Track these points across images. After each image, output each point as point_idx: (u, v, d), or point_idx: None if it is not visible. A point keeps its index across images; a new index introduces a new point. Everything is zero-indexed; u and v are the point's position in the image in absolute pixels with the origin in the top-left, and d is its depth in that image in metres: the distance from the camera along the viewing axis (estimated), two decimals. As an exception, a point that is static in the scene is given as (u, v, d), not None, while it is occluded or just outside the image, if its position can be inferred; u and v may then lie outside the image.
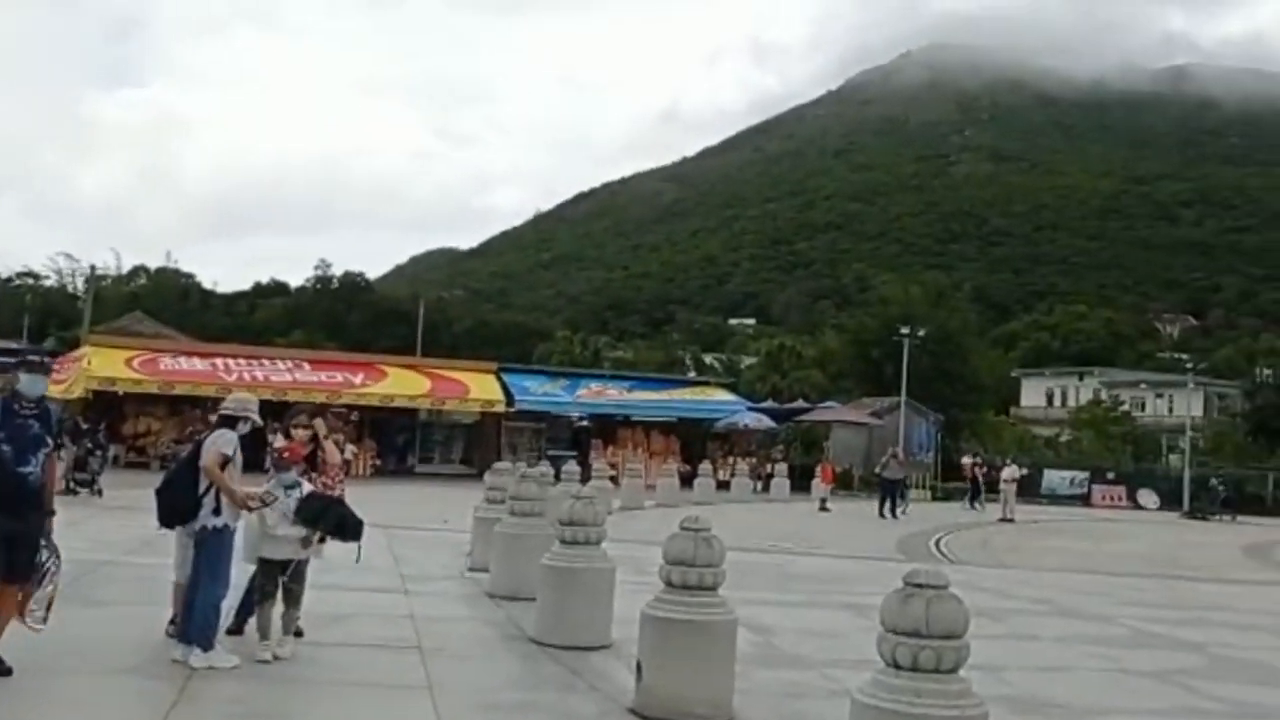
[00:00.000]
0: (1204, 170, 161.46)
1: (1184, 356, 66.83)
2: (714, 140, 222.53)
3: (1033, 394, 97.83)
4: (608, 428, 41.51)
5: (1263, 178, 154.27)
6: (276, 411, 10.18)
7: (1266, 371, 74.50)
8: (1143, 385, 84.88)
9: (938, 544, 23.88)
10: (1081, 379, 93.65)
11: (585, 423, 41.47)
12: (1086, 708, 8.22)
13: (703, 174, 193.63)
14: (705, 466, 34.35)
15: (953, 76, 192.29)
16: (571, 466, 20.38)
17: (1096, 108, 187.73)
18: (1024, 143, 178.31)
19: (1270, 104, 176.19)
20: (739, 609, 7.14)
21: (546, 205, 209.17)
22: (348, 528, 7.93)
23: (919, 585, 4.96)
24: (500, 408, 38.32)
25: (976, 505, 35.95)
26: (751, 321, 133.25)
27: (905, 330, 45.36)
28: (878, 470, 33.21)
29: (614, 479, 29.91)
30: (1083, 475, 48.08)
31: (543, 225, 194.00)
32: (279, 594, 7.75)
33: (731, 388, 50.85)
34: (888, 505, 30.67)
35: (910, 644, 4.83)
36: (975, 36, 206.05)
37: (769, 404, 47.62)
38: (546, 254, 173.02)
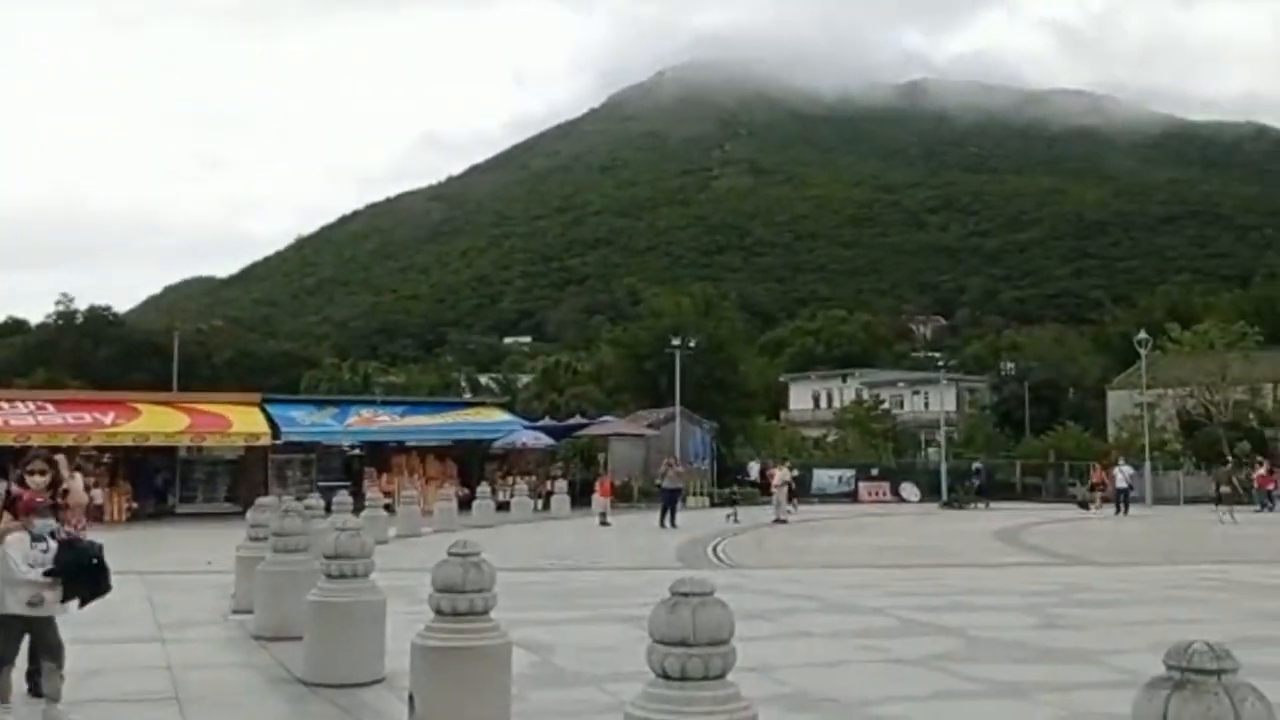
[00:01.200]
0: (947, 178, 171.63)
1: (936, 355, 70.79)
2: (479, 159, 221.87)
3: (800, 397, 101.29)
4: (381, 455, 40.43)
5: (998, 185, 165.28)
6: (18, 457, 9.36)
7: (1009, 365, 79.61)
8: (900, 384, 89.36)
9: (715, 549, 24.29)
10: (845, 380, 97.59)
11: (357, 451, 40.38)
12: (857, 699, 8.35)
13: (470, 193, 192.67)
14: (484, 488, 33.91)
15: (709, 93, 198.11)
16: (344, 497, 19.74)
17: (846, 121, 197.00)
18: (781, 156, 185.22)
19: (998, 116, 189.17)
20: (517, 630, 6.99)
21: (309, 229, 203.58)
22: (100, 582, 7.26)
23: (685, 594, 4.90)
24: (266, 440, 36.76)
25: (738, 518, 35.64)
26: (527, 339, 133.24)
27: (676, 341, 46.14)
28: (657, 481, 33.51)
29: (389, 507, 29.16)
30: (849, 473, 50.12)
31: (306, 250, 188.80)
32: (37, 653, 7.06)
33: (508, 407, 50.47)
34: (668, 515, 30.94)
35: (678, 653, 4.77)
36: (728, 54, 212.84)
37: (546, 421, 47.51)
38: (310, 279, 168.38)
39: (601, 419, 47.95)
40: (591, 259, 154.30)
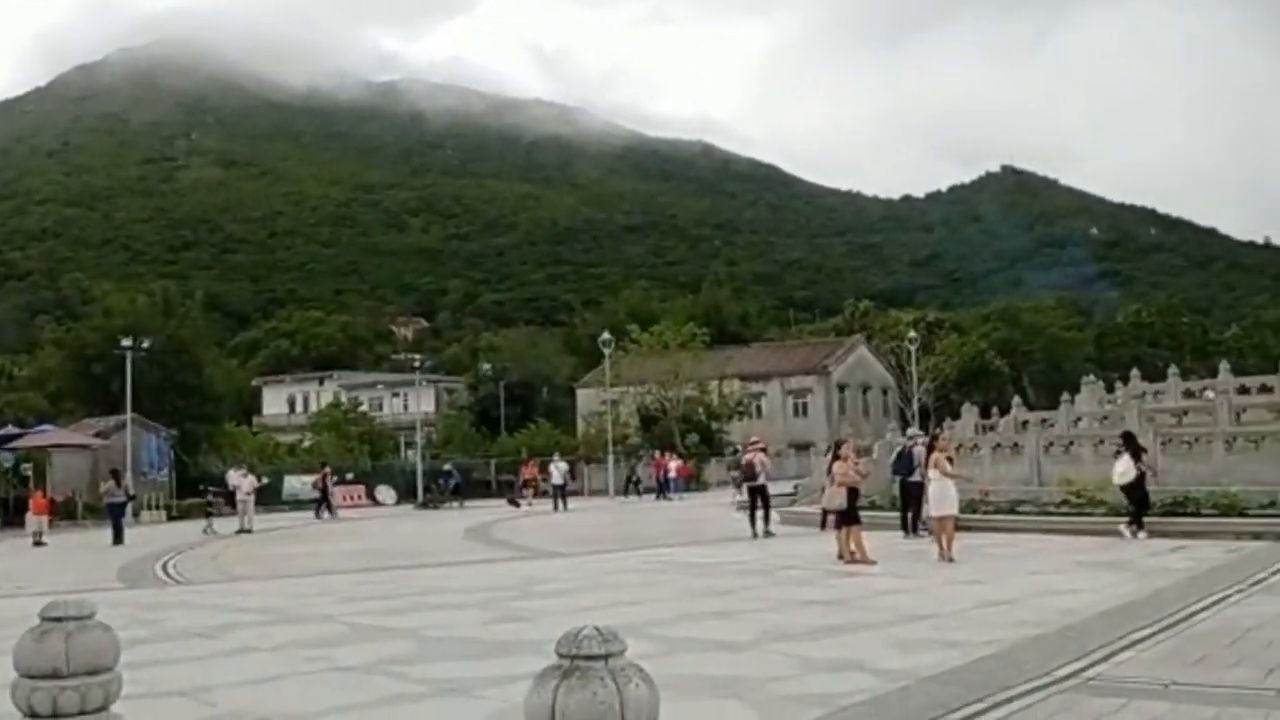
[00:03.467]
0: (427, 180, 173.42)
1: (417, 357, 71.18)
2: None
3: (275, 401, 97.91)
4: None
5: (478, 189, 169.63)
6: None
7: (487, 366, 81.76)
8: (380, 386, 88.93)
9: (165, 566, 22.38)
10: (322, 383, 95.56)
11: None
12: (294, 713, 7.78)
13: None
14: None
15: (171, 76, 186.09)
16: None
17: (322, 116, 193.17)
18: (253, 149, 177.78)
19: (476, 121, 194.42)
20: None
21: None
22: None
23: (57, 619, 4.13)
24: None
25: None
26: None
27: (128, 342, 42.38)
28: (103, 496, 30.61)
29: None
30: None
31: None
32: None
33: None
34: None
35: (48, 687, 3.98)
36: (188, 36, 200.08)
37: (-31, 432, 41.84)
38: None
39: (41, 428, 43.02)
40: (36, 252, 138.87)
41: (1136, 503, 19.50)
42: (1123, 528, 19.21)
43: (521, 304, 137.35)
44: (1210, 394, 31.62)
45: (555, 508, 40.03)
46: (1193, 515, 19.81)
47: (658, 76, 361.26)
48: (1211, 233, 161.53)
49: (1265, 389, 32.66)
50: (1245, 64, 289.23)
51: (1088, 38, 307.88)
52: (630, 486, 50.03)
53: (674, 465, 47.86)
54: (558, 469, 42.50)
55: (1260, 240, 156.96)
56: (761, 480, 23.15)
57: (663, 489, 46.51)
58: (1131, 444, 20.06)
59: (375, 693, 8.47)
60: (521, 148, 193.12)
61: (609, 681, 3.33)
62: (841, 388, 76.02)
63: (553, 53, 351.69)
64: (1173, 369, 37.79)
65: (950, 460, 18.25)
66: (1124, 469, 19.56)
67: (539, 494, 43.89)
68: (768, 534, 22.55)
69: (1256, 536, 18.47)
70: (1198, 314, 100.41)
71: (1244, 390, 32.70)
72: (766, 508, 23.23)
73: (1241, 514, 19.71)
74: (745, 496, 24.68)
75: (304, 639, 11.26)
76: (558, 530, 30.00)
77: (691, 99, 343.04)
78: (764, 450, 24.03)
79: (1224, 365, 37.28)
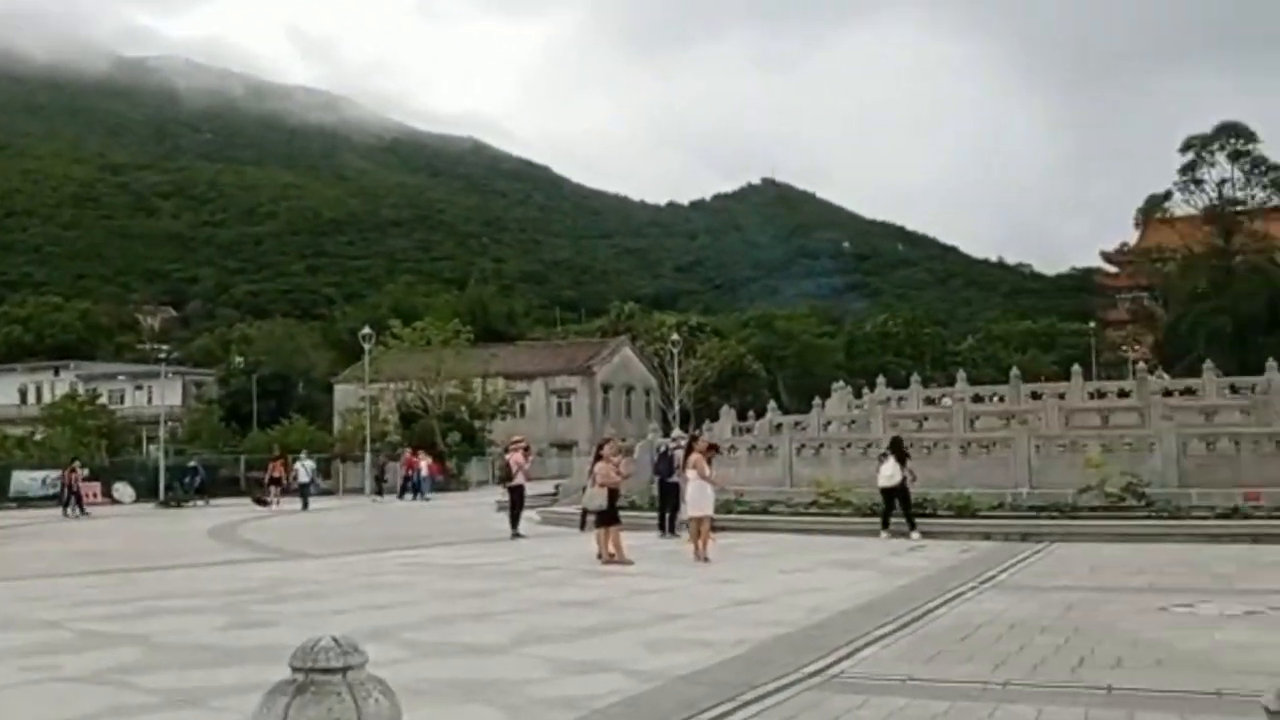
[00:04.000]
0: (180, 163, 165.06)
1: (163, 347, 67.40)
2: None
3: (4, 391, 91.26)
4: None
5: (234, 174, 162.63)
6: None
7: (239, 359, 78.46)
8: (121, 377, 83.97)
9: None
10: (57, 373, 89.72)
11: None
12: (1, 732, 7.13)
13: None
14: None
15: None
16: None
17: (66, 90, 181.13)
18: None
19: (235, 104, 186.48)
20: None
21: None
22: None
23: None
24: None
25: None
26: None
27: None
28: None
29: None
30: (56, 474, 45.60)
31: None
32: None
33: None
34: None
35: None
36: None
37: None
38: None
39: None
40: None
41: (905, 504, 20.43)
42: (914, 535, 20.07)
43: (279, 295, 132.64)
44: (948, 401, 33.53)
45: (304, 506, 38.83)
46: (930, 516, 20.90)
47: (428, 70, 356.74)
48: (953, 250, 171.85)
49: (996, 397, 34.93)
50: (985, 91, 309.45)
51: (844, 58, 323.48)
52: (379, 486, 48.92)
53: (425, 464, 46.94)
54: (304, 467, 41.16)
55: (995, 259, 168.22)
56: (519, 480, 22.99)
57: (414, 488, 45.49)
58: (898, 449, 20.97)
59: (101, 703, 7.90)
60: (284, 135, 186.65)
61: (346, 696, 3.12)
62: (606, 388, 76.83)
63: (317, 39, 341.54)
64: (915, 377, 39.86)
65: (709, 461, 18.59)
66: (890, 472, 20.44)
67: (286, 492, 42.31)
68: (516, 535, 22.39)
69: (987, 537, 19.64)
70: (938, 325, 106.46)
71: (978, 399, 34.85)
72: (517, 509, 23.07)
73: (974, 515, 20.95)
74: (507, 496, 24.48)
75: (24, 646, 10.44)
76: (309, 531, 28.98)
77: (463, 95, 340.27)
78: (525, 450, 23.88)
79: (961, 375, 39.62)
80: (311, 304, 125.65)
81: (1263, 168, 70.82)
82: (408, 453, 48.86)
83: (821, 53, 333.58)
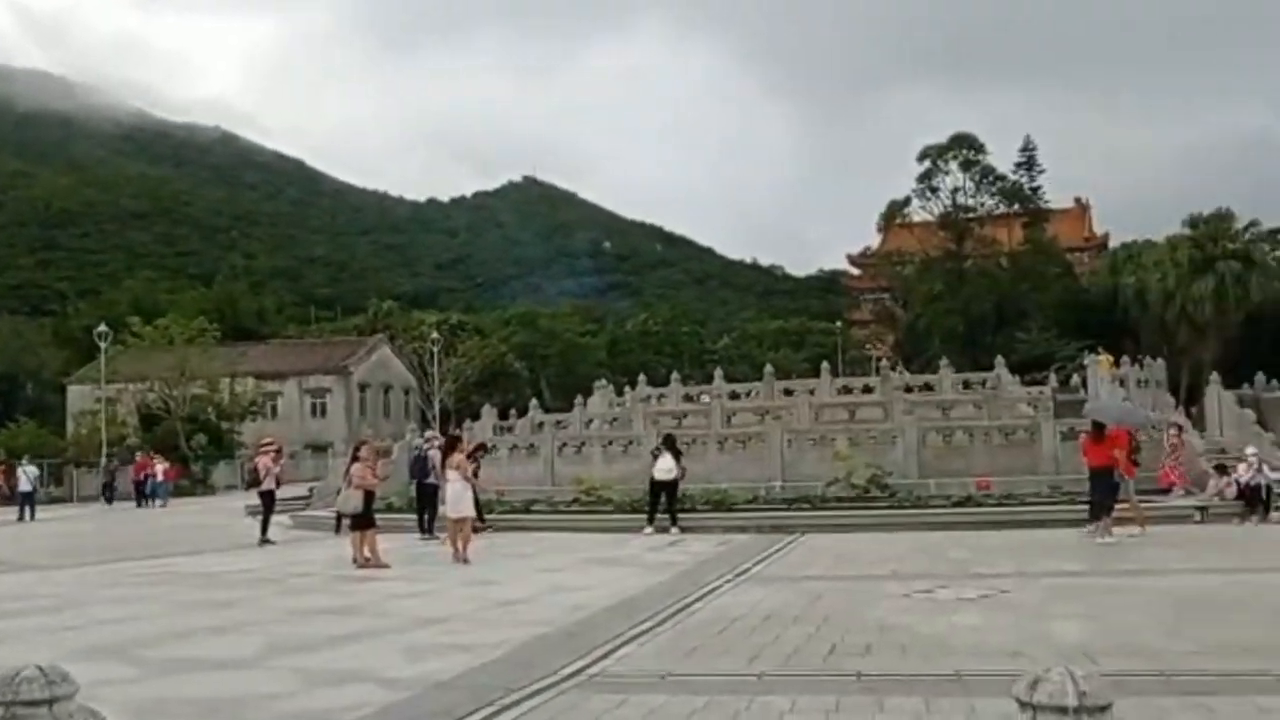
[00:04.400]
0: None
1: None
2: None
3: None
4: None
5: None
6: None
7: None
8: None
9: None
10: None
11: None
12: None
13: None
14: None
15: None
16: None
17: None
18: None
19: None
20: None
21: None
22: None
23: None
24: None
25: None
26: None
27: None
28: None
29: None
30: None
31: None
32: None
33: None
34: None
35: None
36: None
37: None
38: None
39: None
40: None
41: (672, 500, 20.75)
42: (674, 530, 20.25)
43: (6, 291, 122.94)
44: (707, 399, 34.30)
45: (20, 517, 35.68)
46: (689, 511, 21.26)
47: (173, 57, 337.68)
48: (709, 251, 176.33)
49: (750, 394, 35.96)
50: (736, 99, 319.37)
51: (600, 63, 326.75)
52: (109, 492, 45.95)
53: (161, 468, 44.36)
54: (26, 474, 38.17)
55: (749, 260, 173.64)
56: (268, 485, 22.04)
57: (151, 494, 42.91)
58: (672, 445, 21.25)
59: None
60: (12, 120, 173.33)
61: (53, 729, 2.78)
62: (363, 388, 74.98)
63: (47, 20, 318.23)
64: (675, 375, 40.58)
65: (478, 461, 18.31)
66: (668, 466, 20.72)
67: (9, 501, 39.10)
68: (265, 541, 21.46)
69: (743, 530, 20.15)
70: (696, 324, 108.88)
71: (735, 396, 35.80)
72: (267, 513, 22.13)
73: (731, 509, 21.46)
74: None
75: None
76: (37, 541, 26.91)
77: (210, 84, 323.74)
78: (277, 452, 22.90)
79: (718, 373, 40.58)
80: (42, 300, 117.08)
81: (991, 177, 75.54)
82: (141, 456, 46.13)
83: (577, 58, 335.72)
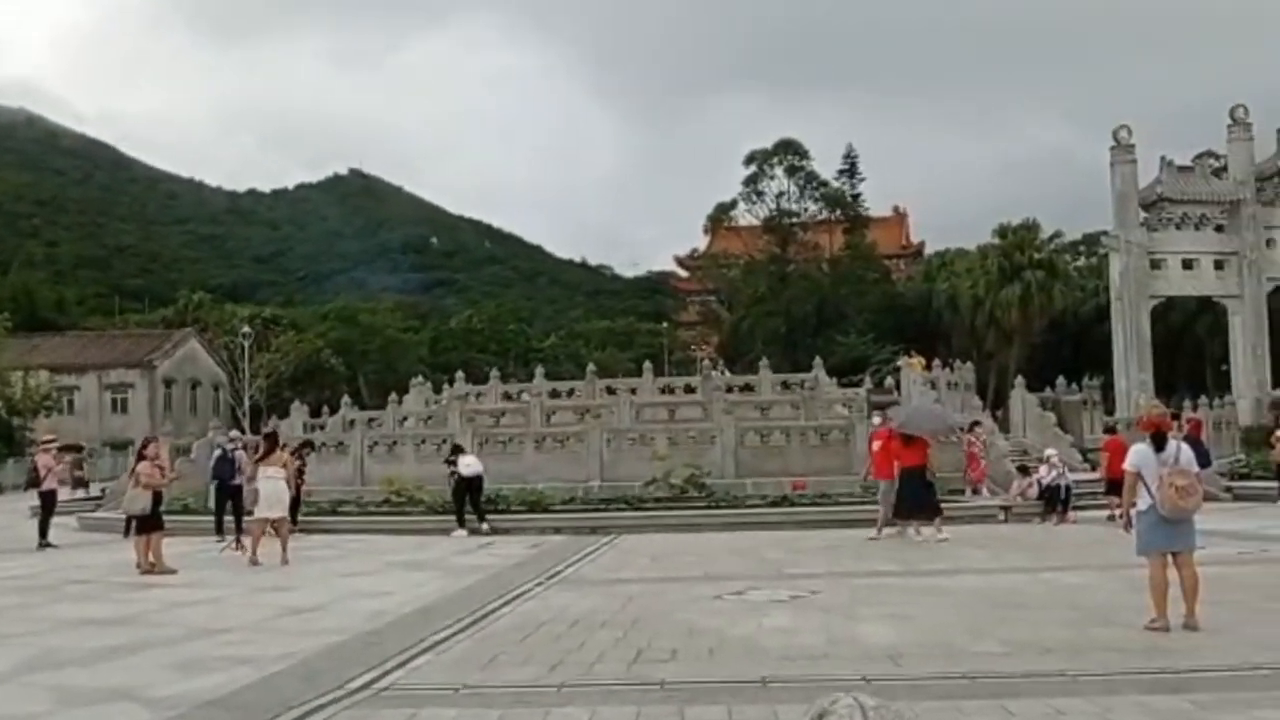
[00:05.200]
0: None
1: None
2: None
3: None
4: None
5: None
6: None
7: None
8: None
9: None
10: None
11: None
12: None
13: None
14: None
15: None
16: None
17: None
18: None
19: None
20: None
21: None
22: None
23: None
24: None
25: None
26: None
27: None
28: None
29: None
30: None
31: None
32: None
33: None
34: None
35: None
36: None
37: None
38: None
39: None
40: None
41: (476, 497, 20.32)
42: (484, 527, 19.73)
43: None
44: (527, 397, 33.75)
45: None
46: (503, 512, 20.73)
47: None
48: (538, 250, 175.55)
49: (572, 393, 35.59)
50: (565, 98, 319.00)
51: (427, 59, 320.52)
52: None
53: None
54: None
55: (578, 260, 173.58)
56: (50, 484, 20.49)
57: None
58: (461, 453, 20.79)
59: None
60: None
61: None
62: (168, 383, 71.70)
63: None
64: (494, 372, 39.86)
65: (301, 460, 17.43)
66: (470, 460, 20.30)
67: None
68: (45, 545, 19.96)
69: (558, 531, 19.73)
70: (523, 323, 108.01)
71: (556, 394, 35.36)
72: (47, 515, 20.57)
73: (546, 510, 21.02)
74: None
75: None
76: None
77: (16, 65, 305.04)
78: (59, 450, 21.36)
79: (539, 370, 40.03)
80: None
81: (815, 183, 77.17)
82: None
83: (404, 51, 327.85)
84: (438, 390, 38.99)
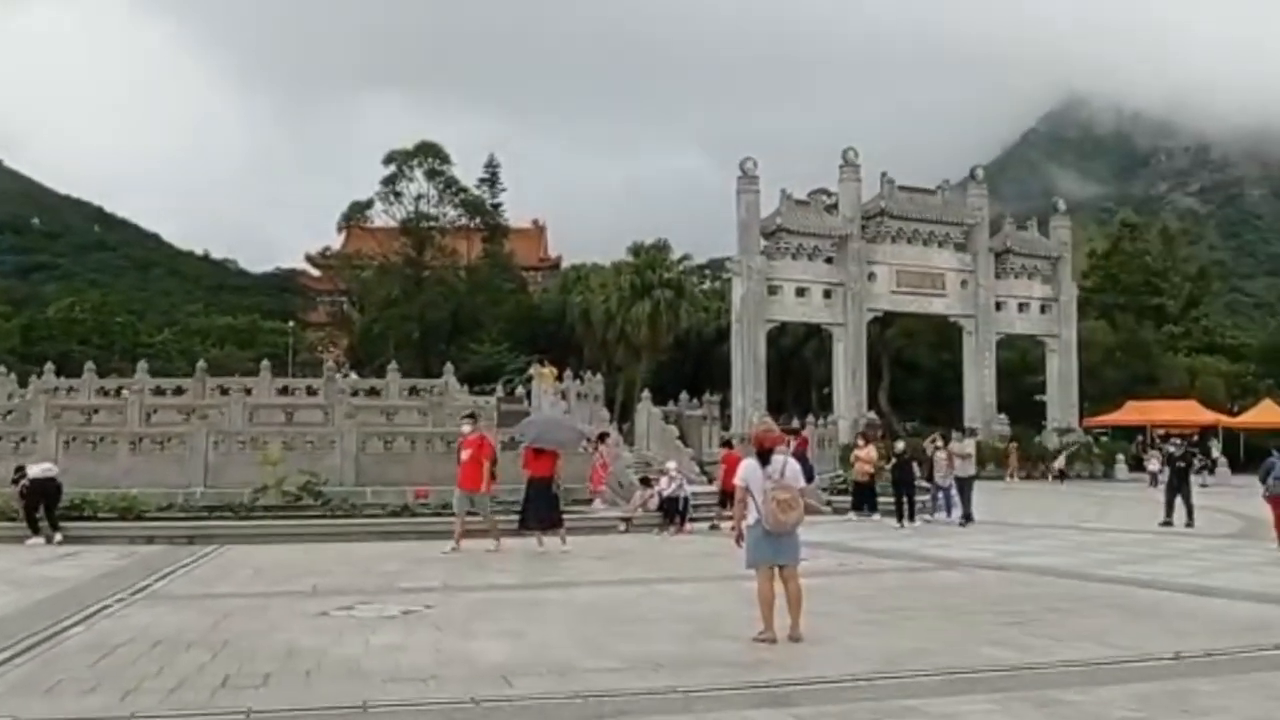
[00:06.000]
0: None
1: None
2: None
3: None
4: None
5: None
6: None
7: None
8: None
9: None
10: None
11: None
12: None
13: None
14: None
15: None
16: None
17: None
18: None
19: None
20: None
21: None
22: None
23: None
24: None
25: None
26: None
27: None
28: None
29: None
30: None
31: None
32: None
33: None
34: None
35: None
36: None
37: None
38: None
39: None
40: None
41: (50, 502, 18.28)
42: (57, 537, 17.69)
43: None
44: (127, 393, 30.92)
45: None
46: (89, 519, 18.72)
47: None
48: (155, 238, 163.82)
49: (180, 391, 33.00)
50: (197, 85, 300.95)
51: (39, 25, 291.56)
52: None
53: None
54: None
55: (200, 252, 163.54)
56: None
57: None
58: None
59: None
60: None
61: None
62: None
63: None
64: (89, 365, 36.28)
65: None
66: (47, 465, 18.44)
67: None
68: None
69: (150, 540, 18.00)
70: (134, 315, 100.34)
71: (160, 391, 32.67)
72: None
73: (139, 517, 19.19)
74: None
75: None
76: None
77: None
78: None
79: (142, 365, 36.85)
80: None
81: (455, 188, 76.46)
82: None
83: (10, 18, 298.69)
84: (24, 384, 35.05)
